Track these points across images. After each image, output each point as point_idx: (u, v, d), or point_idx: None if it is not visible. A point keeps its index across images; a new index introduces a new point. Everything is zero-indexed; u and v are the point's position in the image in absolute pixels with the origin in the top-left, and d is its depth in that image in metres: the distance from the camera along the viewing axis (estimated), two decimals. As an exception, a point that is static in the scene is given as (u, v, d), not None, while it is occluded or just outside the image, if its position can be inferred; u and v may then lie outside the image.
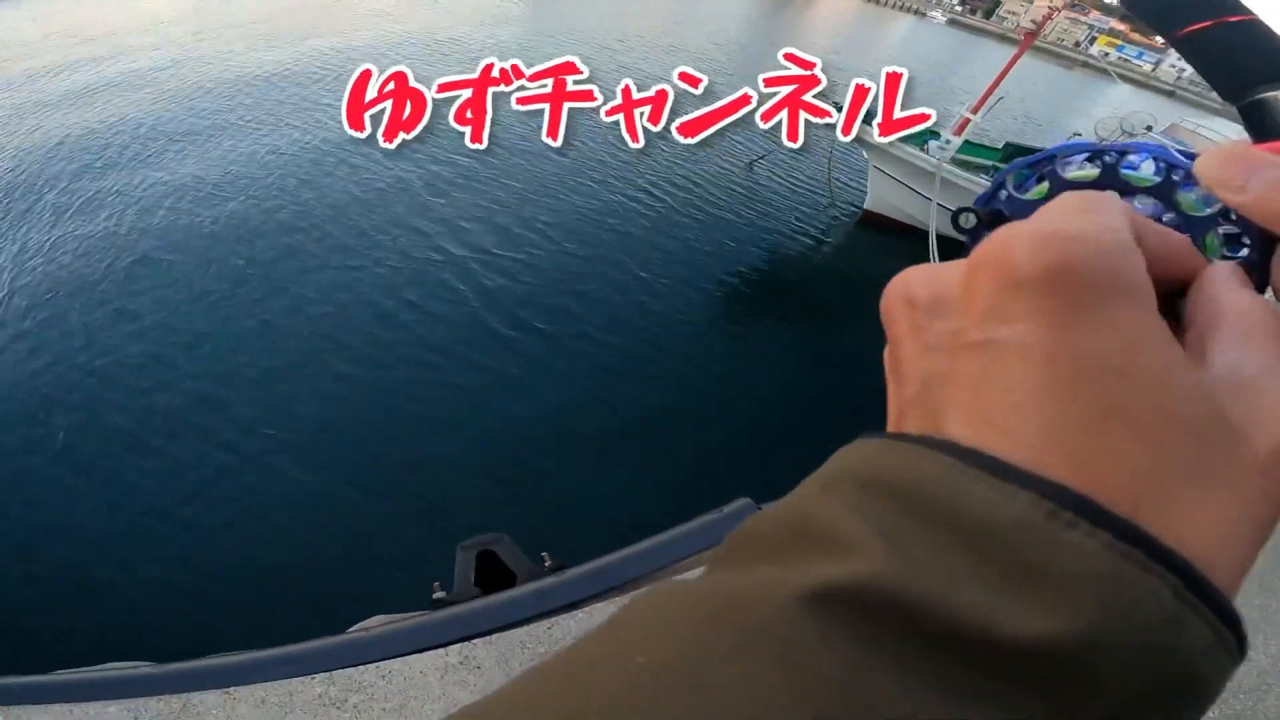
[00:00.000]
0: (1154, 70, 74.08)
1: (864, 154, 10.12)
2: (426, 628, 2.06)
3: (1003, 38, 70.49)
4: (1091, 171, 0.28)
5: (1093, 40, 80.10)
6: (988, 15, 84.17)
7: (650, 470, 5.56)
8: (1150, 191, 0.28)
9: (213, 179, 8.82)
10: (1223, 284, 0.20)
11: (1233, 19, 0.31)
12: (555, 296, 7.77)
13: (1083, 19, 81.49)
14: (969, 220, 0.29)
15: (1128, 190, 0.28)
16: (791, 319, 8.54)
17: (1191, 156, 0.27)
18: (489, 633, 1.68)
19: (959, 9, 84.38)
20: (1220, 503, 0.15)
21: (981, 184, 9.53)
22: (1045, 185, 0.29)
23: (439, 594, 2.30)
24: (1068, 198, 0.20)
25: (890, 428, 0.20)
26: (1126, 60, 76.80)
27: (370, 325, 6.94)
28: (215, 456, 5.53)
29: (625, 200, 10.34)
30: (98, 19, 15.26)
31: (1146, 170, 0.28)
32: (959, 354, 0.18)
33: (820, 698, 0.13)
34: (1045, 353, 0.16)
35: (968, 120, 9.76)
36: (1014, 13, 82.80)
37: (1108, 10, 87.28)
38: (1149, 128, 11.98)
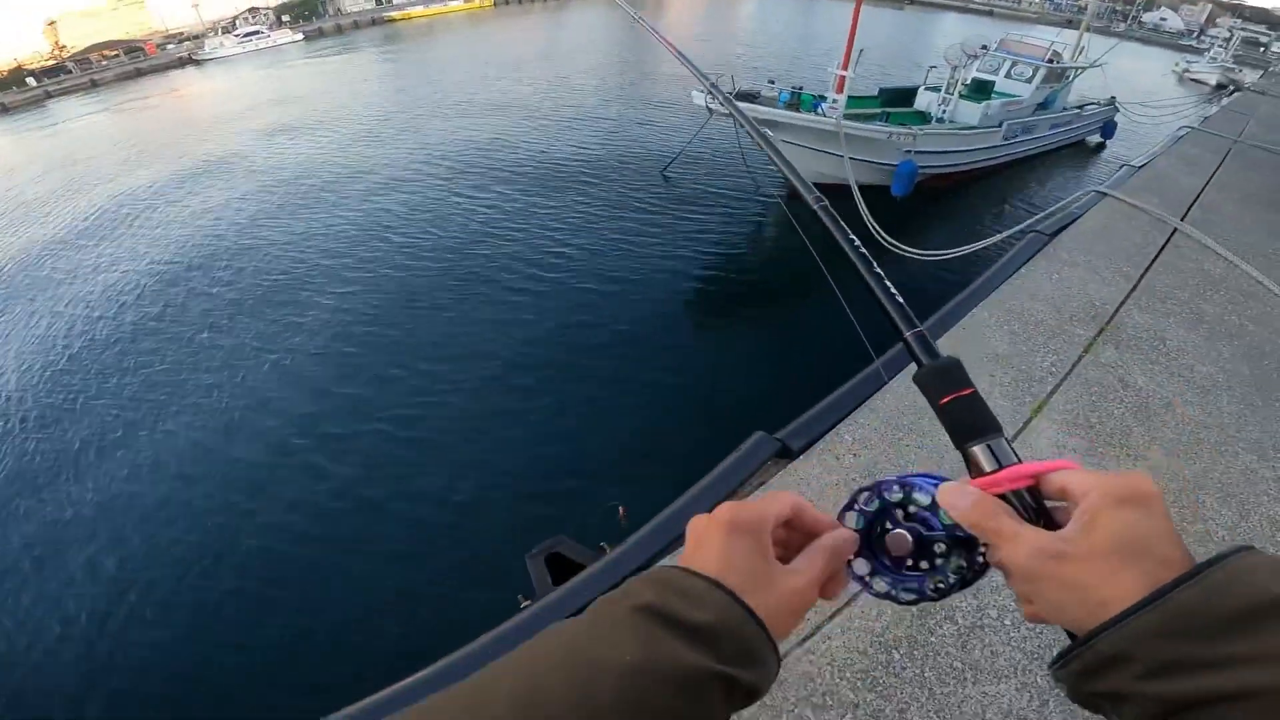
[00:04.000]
0: (967, -9, 77.39)
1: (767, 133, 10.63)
2: (541, 618, 2.15)
3: (838, -7, 73.18)
4: (897, 495, 0.49)
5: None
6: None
7: (659, 461, 5.95)
8: (924, 508, 0.49)
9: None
10: (824, 537, 0.48)
11: (963, 393, 0.49)
12: (541, 355, 8.22)
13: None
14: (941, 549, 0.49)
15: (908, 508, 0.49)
16: (753, 302, 9.00)
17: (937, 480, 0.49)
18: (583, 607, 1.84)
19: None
20: (768, 597, 0.42)
21: (878, 130, 10.17)
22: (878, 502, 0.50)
23: (525, 604, 2.37)
24: (770, 495, 0.48)
25: (681, 562, 0.45)
26: (941, -14, 79.87)
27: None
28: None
29: (566, 254, 10.47)
30: None
31: (920, 497, 0.49)
32: (700, 541, 0.46)
33: (640, 641, 0.36)
34: (718, 546, 0.44)
35: (844, 77, 10.34)
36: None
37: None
38: (984, 46, 13.03)
